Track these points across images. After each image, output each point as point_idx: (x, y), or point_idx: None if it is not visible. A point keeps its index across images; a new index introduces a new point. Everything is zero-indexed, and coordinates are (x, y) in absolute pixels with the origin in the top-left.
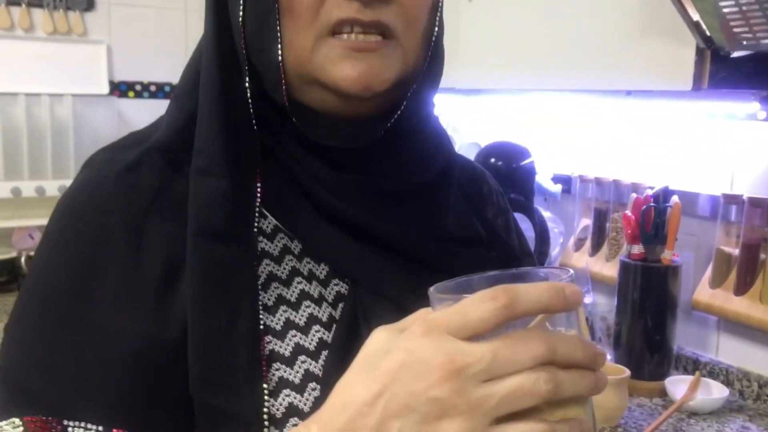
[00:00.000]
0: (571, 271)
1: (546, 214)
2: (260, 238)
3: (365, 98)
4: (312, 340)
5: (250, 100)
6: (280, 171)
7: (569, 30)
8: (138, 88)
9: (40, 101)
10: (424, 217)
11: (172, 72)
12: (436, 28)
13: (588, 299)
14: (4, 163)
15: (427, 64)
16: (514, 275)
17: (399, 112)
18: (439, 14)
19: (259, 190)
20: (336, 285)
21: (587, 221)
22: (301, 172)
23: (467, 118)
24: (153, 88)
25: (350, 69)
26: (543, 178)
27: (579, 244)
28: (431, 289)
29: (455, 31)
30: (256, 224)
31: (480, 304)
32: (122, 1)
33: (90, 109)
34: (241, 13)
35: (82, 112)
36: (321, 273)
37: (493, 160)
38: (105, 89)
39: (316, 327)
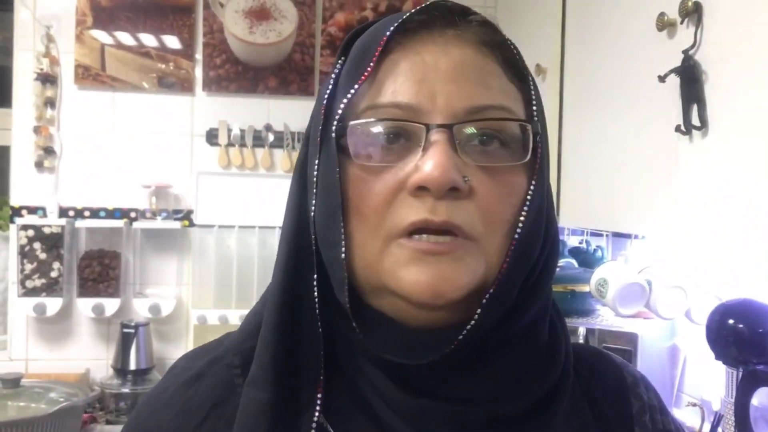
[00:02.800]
0: None
1: None
2: None
3: (438, 306)
4: None
5: (316, 299)
6: (345, 380)
7: None
8: None
9: (274, 233)
10: None
11: None
12: (520, 226)
13: None
14: (236, 291)
15: (507, 265)
16: None
17: (473, 323)
18: (526, 208)
19: (319, 400)
20: None
21: None
22: (365, 386)
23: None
24: None
25: (419, 274)
26: None
27: None
28: None
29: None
30: None
31: None
32: None
33: None
34: (313, 206)
35: None
36: None
37: (731, 321)
38: None
39: None
